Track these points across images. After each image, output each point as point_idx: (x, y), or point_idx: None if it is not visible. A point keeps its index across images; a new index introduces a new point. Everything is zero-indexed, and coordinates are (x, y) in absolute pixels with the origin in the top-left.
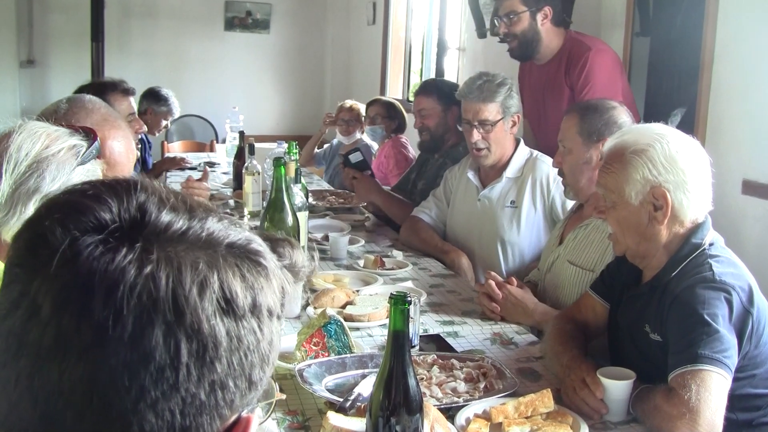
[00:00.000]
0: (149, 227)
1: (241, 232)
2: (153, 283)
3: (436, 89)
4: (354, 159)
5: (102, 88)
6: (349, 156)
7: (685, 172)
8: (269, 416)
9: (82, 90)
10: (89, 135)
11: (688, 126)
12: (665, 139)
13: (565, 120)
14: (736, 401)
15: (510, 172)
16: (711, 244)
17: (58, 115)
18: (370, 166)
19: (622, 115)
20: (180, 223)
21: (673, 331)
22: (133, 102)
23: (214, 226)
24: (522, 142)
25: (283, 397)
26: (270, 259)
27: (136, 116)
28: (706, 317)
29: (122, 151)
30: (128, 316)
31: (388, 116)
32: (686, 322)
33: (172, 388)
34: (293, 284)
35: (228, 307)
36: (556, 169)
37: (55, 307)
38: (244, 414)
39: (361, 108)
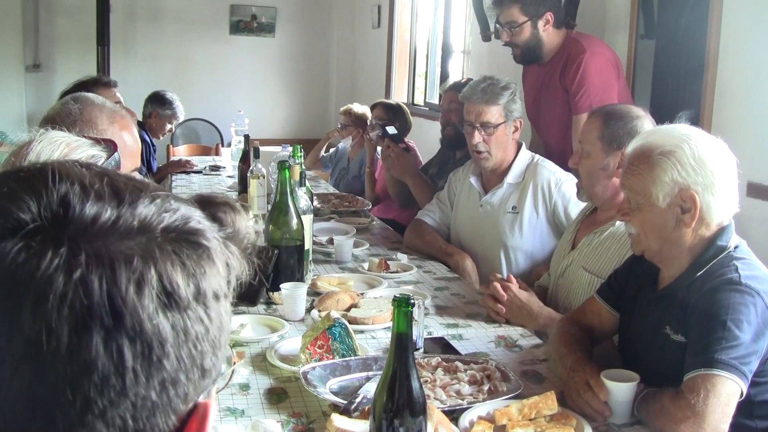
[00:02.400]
0: (74, 223)
1: (177, 210)
2: (85, 288)
3: None
4: (391, 131)
5: (83, 86)
6: (387, 128)
7: (714, 174)
8: (227, 384)
9: (65, 95)
10: (109, 146)
11: None
12: (693, 140)
13: (588, 121)
14: (756, 408)
15: (511, 177)
16: (736, 247)
17: (73, 115)
18: (404, 139)
19: (646, 125)
20: (108, 213)
21: (694, 332)
22: (118, 92)
23: (145, 210)
24: (524, 146)
25: (241, 361)
26: (211, 237)
27: (123, 103)
28: (728, 322)
29: (133, 141)
30: (62, 328)
31: (386, 118)
32: (707, 325)
33: (120, 394)
34: (239, 256)
35: (170, 300)
36: (558, 174)
37: None
38: (200, 400)
39: (365, 112)
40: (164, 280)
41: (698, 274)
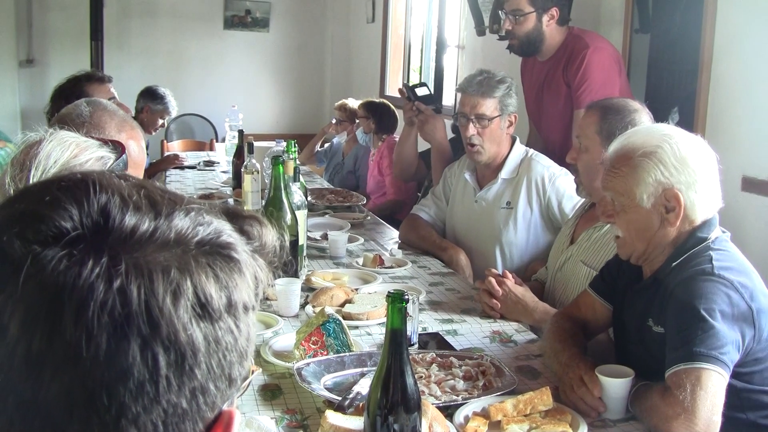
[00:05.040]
0: (114, 233)
1: (210, 224)
2: (124, 297)
3: None
4: (421, 92)
5: (77, 81)
6: (416, 89)
7: (695, 172)
8: (244, 391)
9: (60, 90)
10: (117, 148)
11: (688, 123)
12: (673, 140)
13: (585, 116)
14: (744, 400)
15: (505, 172)
16: (716, 239)
17: (83, 117)
18: (436, 101)
19: (644, 118)
20: (146, 225)
21: (671, 325)
22: (112, 88)
23: (181, 222)
24: (518, 140)
25: (259, 370)
26: (241, 250)
27: (117, 99)
28: (702, 312)
29: (139, 151)
30: (101, 335)
31: (365, 116)
32: (682, 317)
33: (153, 401)
34: (266, 269)
35: (204, 311)
36: (552, 169)
37: (23, 327)
38: (225, 408)
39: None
40: (199, 291)
41: (676, 263)
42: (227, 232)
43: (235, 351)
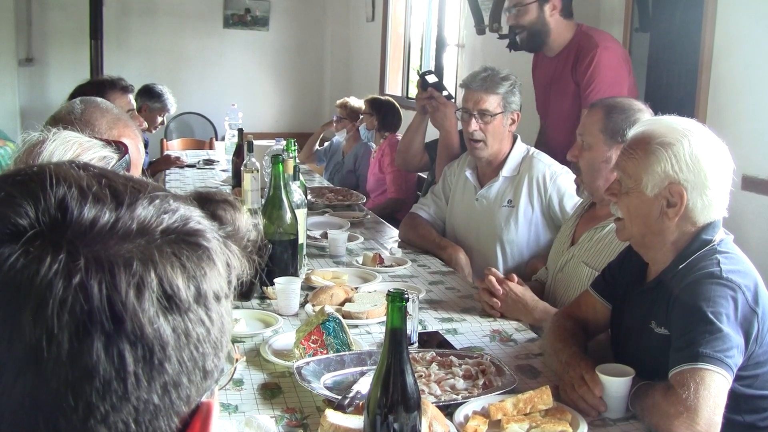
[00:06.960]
0: (73, 227)
1: (176, 211)
2: (84, 293)
3: None
4: (431, 80)
5: (101, 86)
6: (426, 77)
7: (707, 175)
8: (229, 381)
9: (80, 89)
10: (120, 148)
11: None
12: (695, 137)
13: (588, 114)
14: (742, 402)
15: (506, 170)
16: (721, 241)
17: (74, 115)
18: (446, 87)
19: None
20: (106, 216)
21: (677, 326)
22: (132, 99)
23: (144, 212)
24: (519, 139)
25: (243, 358)
26: (211, 237)
27: (135, 113)
28: (709, 315)
29: (135, 149)
30: (62, 334)
31: (369, 112)
32: (689, 319)
33: (122, 398)
34: (239, 255)
35: (170, 303)
36: (553, 168)
37: None
38: (203, 399)
39: (361, 106)
40: (164, 283)
41: (681, 266)
42: (195, 219)
43: (208, 342)
